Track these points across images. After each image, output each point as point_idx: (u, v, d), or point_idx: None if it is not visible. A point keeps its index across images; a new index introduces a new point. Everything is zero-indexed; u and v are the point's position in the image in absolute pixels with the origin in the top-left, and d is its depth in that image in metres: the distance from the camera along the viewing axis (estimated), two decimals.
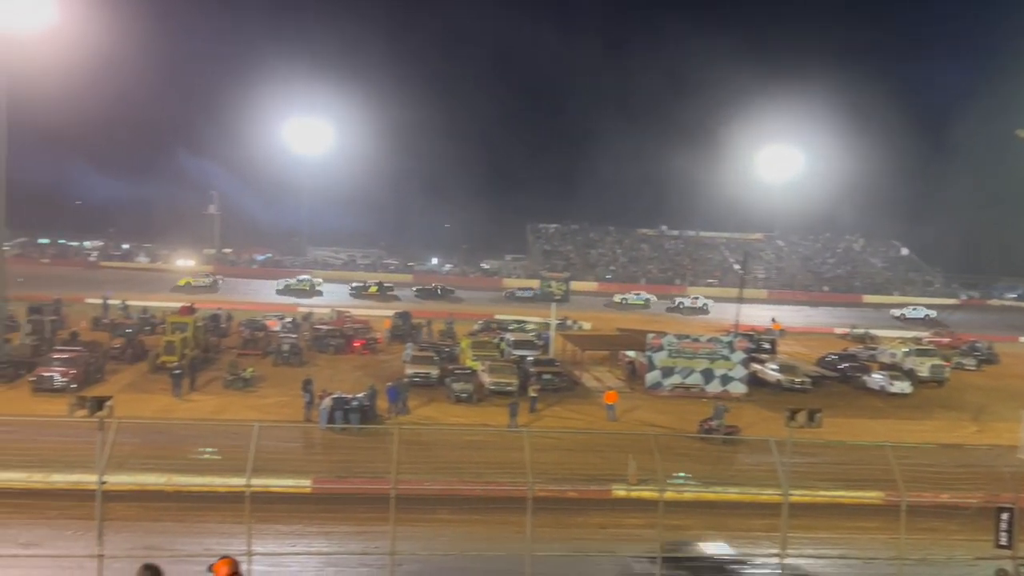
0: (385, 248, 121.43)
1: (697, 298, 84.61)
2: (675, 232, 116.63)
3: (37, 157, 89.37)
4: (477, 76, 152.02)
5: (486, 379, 40.86)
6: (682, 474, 24.33)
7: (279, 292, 78.97)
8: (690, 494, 23.57)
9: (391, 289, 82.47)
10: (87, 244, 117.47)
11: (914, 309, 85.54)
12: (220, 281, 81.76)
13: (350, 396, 34.45)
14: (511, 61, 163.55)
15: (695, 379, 43.29)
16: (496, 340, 51.58)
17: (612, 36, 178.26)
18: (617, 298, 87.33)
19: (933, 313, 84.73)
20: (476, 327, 59.44)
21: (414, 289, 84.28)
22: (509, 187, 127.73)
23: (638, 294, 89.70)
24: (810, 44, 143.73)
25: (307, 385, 35.58)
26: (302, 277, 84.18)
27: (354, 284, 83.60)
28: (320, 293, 79.80)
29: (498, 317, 65.74)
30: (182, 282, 78.27)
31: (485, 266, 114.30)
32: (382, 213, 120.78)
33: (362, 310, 66.38)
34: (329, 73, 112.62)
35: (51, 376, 36.63)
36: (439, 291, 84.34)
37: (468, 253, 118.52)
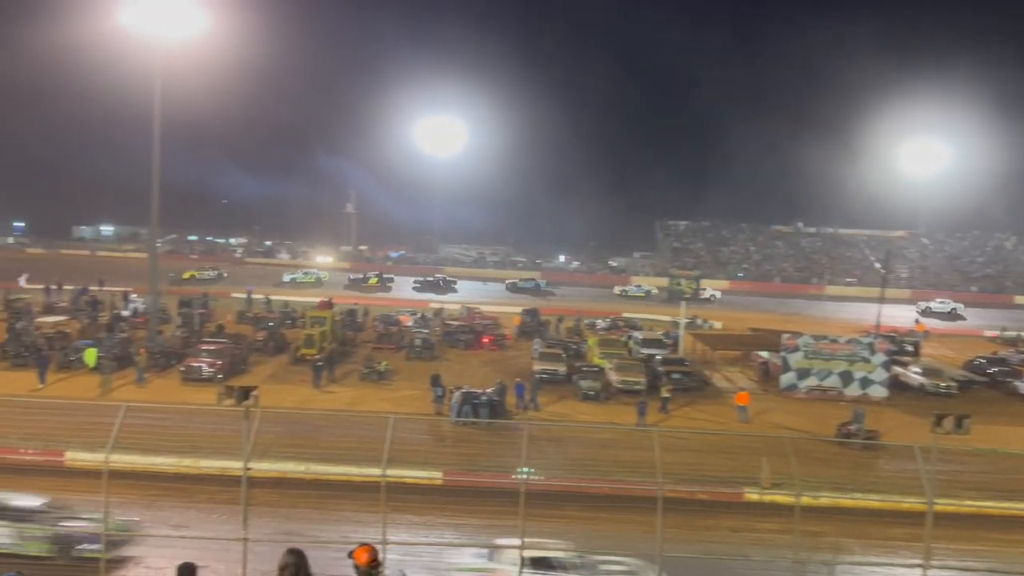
0: (513, 245, 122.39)
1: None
2: (812, 229, 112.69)
3: (187, 159, 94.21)
4: (606, 71, 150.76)
5: (613, 377, 40.65)
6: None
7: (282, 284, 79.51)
8: (827, 500, 22.81)
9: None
10: (232, 241, 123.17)
11: None
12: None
13: (479, 391, 34.90)
14: (640, 55, 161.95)
15: (832, 381, 41.82)
16: (624, 338, 51.26)
17: (744, 26, 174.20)
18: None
19: None
20: (602, 324, 59.30)
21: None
22: (638, 183, 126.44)
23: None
24: (957, 31, 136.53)
25: (436, 380, 36.28)
26: (308, 271, 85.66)
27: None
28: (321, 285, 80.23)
29: (626, 315, 65.34)
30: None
31: (613, 263, 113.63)
32: (512, 210, 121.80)
33: (492, 307, 67.12)
34: (461, 73, 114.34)
35: (200, 366, 38.60)
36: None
37: (596, 250, 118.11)
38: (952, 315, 77.72)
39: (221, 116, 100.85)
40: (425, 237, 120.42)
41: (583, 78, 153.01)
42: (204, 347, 41.20)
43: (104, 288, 61.61)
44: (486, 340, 51.69)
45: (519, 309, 61.24)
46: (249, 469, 15.43)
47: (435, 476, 25.10)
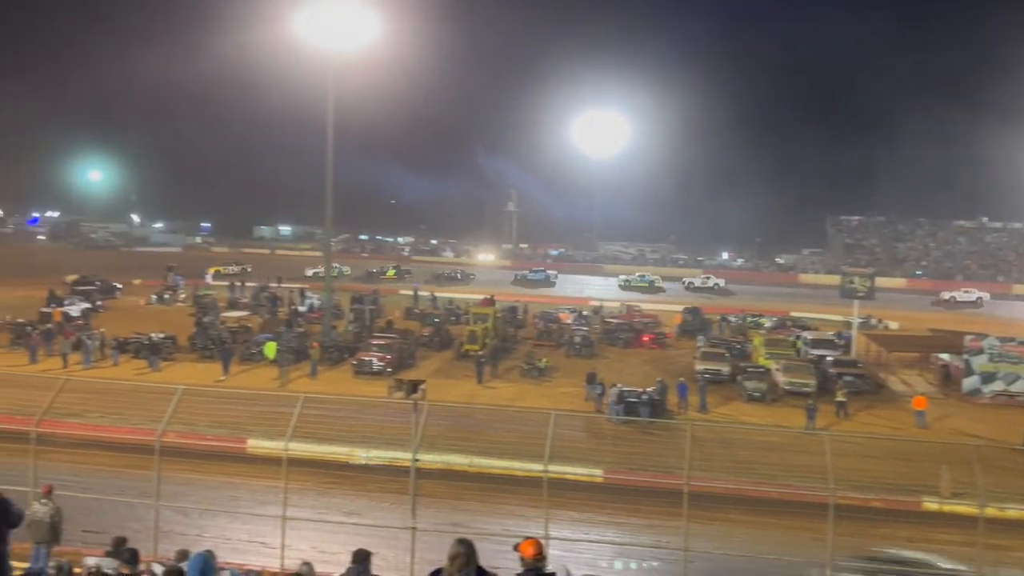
0: (675, 243, 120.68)
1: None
2: (998, 224, 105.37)
3: (358, 161, 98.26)
4: (772, 60, 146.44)
5: (780, 378, 39.39)
6: None
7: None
8: (1015, 512, 21.30)
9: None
10: (400, 240, 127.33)
11: None
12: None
13: (640, 390, 34.61)
14: (808, 41, 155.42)
15: (1021, 386, 39.00)
16: (792, 338, 49.58)
17: (918, 8, 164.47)
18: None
19: None
20: (769, 324, 57.60)
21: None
22: (807, 177, 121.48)
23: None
24: None
25: (591, 378, 36.33)
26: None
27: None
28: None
29: (794, 314, 63.19)
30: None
31: (780, 261, 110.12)
32: (673, 207, 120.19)
33: (652, 304, 66.45)
34: (621, 67, 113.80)
35: (370, 360, 40.14)
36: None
37: (761, 247, 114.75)
38: None
39: (389, 119, 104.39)
40: (584, 235, 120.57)
41: (748, 67, 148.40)
42: (374, 342, 42.84)
43: (282, 285, 65.02)
44: (646, 338, 51.24)
45: (680, 308, 60.41)
46: (418, 460, 15.90)
47: (596, 474, 25.07)
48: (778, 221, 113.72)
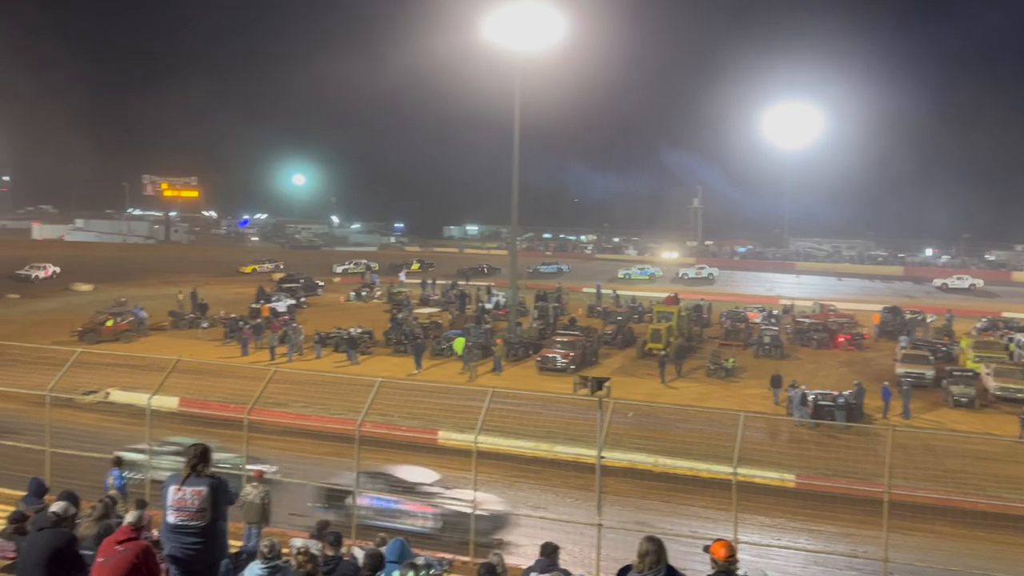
0: (873, 239, 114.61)
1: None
2: None
3: (543, 161, 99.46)
4: (978, 40, 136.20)
5: (991, 383, 36.65)
6: None
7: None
8: None
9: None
10: (583, 238, 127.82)
11: None
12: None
13: (835, 393, 33.19)
14: (1010, 29, 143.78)
15: None
16: (1004, 340, 46.03)
17: None
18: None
19: None
20: (979, 325, 53.71)
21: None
22: (1019, 168, 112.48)
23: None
24: None
25: (776, 380, 35.22)
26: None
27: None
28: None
29: (1006, 315, 58.63)
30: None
31: (990, 257, 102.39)
32: (870, 201, 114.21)
33: (847, 304, 63.47)
34: (811, 58, 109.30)
35: (554, 357, 40.58)
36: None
37: (970, 243, 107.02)
38: None
39: (574, 117, 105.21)
40: (774, 231, 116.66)
41: (950, 51, 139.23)
42: (558, 339, 43.27)
43: (470, 282, 66.80)
44: (841, 339, 48.98)
45: (879, 307, 57.38)
46: (603, 457, 15.95)
47: (787, 478, 24.24)
48: (988, 215, 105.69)
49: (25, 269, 67.11)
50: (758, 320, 53.27)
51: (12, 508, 13.05)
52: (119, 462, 16.32)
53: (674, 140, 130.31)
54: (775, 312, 57.08)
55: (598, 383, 15.68)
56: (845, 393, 33.11)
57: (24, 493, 13.69)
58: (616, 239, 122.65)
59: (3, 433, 19.35)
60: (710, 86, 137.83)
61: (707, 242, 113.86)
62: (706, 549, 7.22)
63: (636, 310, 56.43)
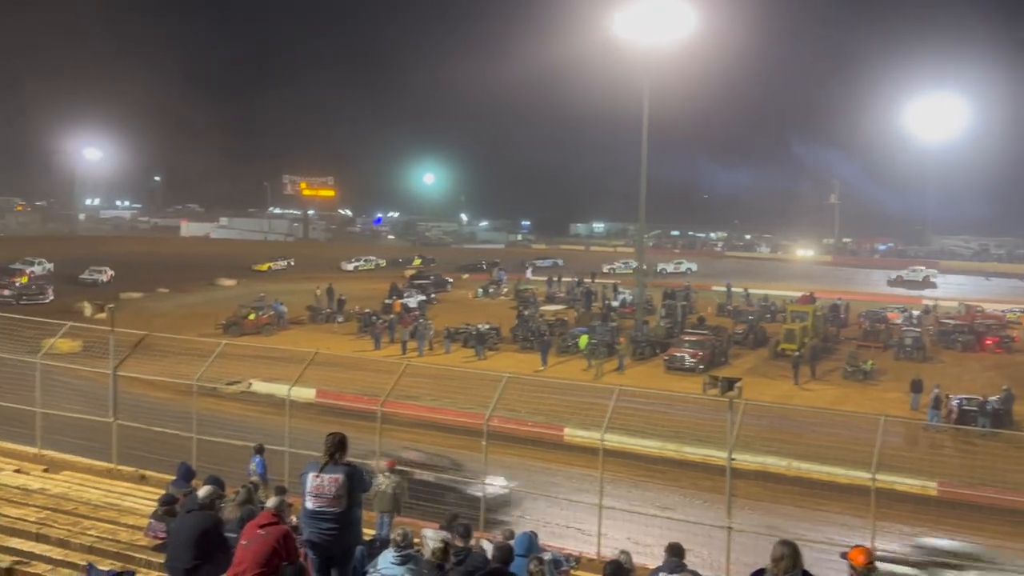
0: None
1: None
2: None
3: (671, 156, 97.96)
4: None
5: None
6: None
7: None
8: None
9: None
10: (713, 235, 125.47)
11: None
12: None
13: (980, 398, 31.51)
14: None
15: None
16: None
17: None
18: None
19: None
20: None
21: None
22: None
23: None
24: None
25: (917, 385, 33.71)
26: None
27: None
28: None
29: None
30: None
31: None
32: (1020, 197, 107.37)
33: (997, 304, 60.07)
34: (955, 47, 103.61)
35: (682, 356, 40.03)
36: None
37: None
38: None
39: (704, 111, 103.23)
40: (916, 228, 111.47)
41: None
42: (686, 338, 42.67)
43: (596, 280, 66.62)
44: (989, 341, 46.39)
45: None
46: (733, 459, 15.64)
47: (929, 486, 23.18)
48: None
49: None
50: (899, 321, 51.11)
51: (163, 491, 13.86)
52: (261, 450, 17.04)
53: (809, 133, 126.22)
54: (916, 313, 54.62)
55: (729, 383, 15.41)
56: (992, 398, 31.37)
57: (173, 477, 14.50)
58: (747, 236, 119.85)
59: (154, 420, 20.48)
60: (847, 75, 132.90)
61: (844, 239, 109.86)
62: (843, 555, 6.99)
63: (768, 309, 55.05)
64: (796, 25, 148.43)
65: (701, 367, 38.66)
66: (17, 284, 55.68)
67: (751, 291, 63.94)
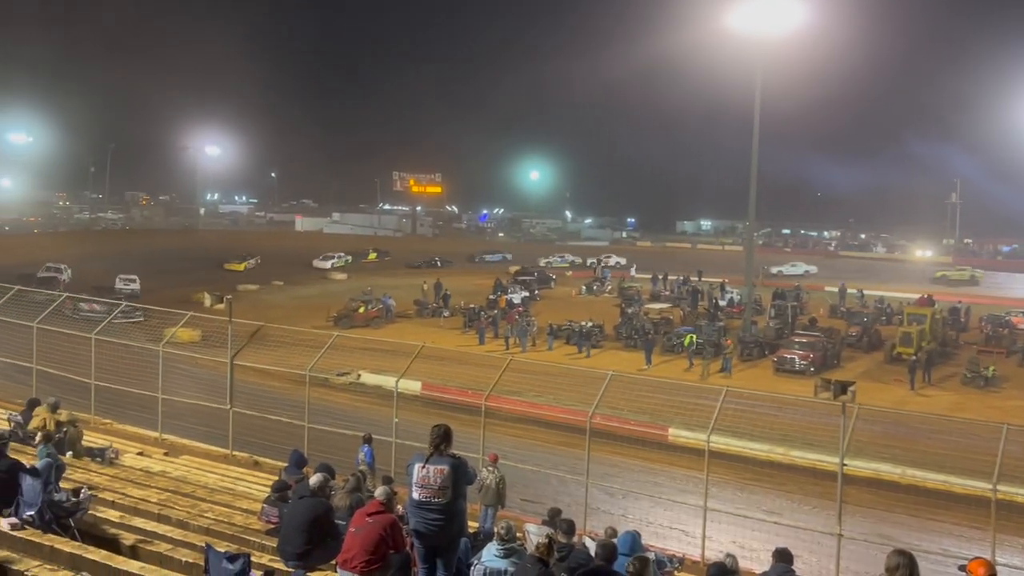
0: None
1: None
2: None
3: (782, 153, 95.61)
4: None
5: None
6: None
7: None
8: None
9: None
10: (826, 234, 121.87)
11: None
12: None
13: None
14: None
15: None
16: None
17: None
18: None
19: None
20: None
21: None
22: None
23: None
24: None
25: None
26: None
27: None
28: None
29: None
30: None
31: None
32: None
33: None
34: None
35: (792, 358, 39.04)
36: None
37: None
38: None
39: (817, 105, 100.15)
40: None
41: None
42: (797, 339, 41.59)
43: (703, 279, 65.61)
44: None
45: None
46: (845, 465, 15.21)
47: None
48: None
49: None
50: (1023, 326, 48.66)
51: (276, 478, 14.33)
52: (369, 439, 17.44)
53: (928, 128, 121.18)
54: None
55: (842, 387, 14.92)
56: None
57: (286, 464, 14.98)
58: (862, 235, 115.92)
59: (268, 408, 21.20)
60: (969, 67, 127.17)
61: (965, 240, 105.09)
62: (962, 568, 6.71)
63: (884, 311, 53.17)
64: (915, 14, 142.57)
65: (812, 370, 37.64)
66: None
67: (866, 292, 61.88)
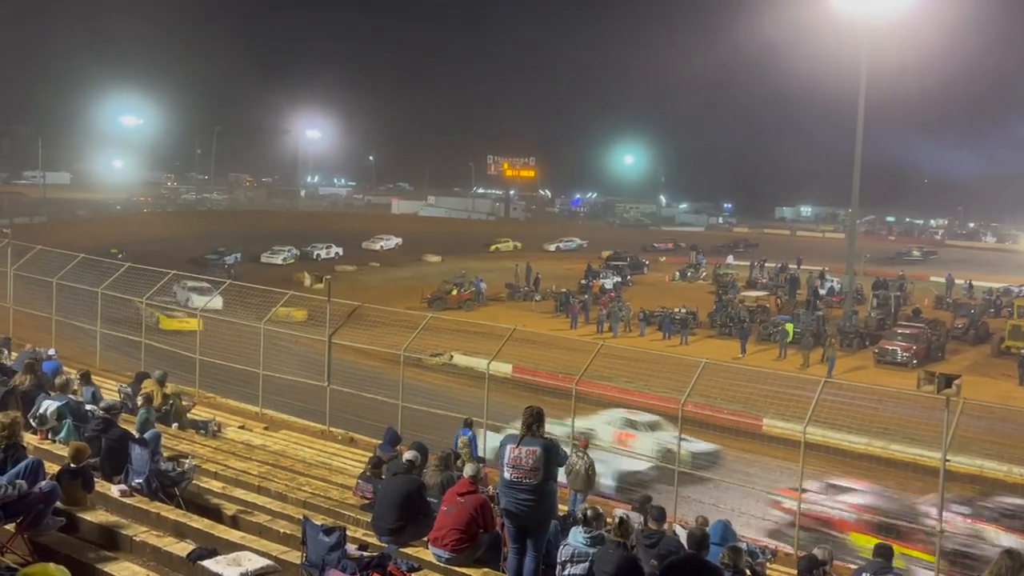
0: None
1: None
2: None
3: (888, 137, 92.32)
4: None
5: None
6: None
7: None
8: None
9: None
10: (933, 223, 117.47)
11: None
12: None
13: None
14: None
15: None
16: None
17: None
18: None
19: None
20: None
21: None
22: None
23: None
24: None
25: None
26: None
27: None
28: None
29: None
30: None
31: None
32: None
33: None
34: None
35: (894, 350, 37.86)
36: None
37: None
38: None
39: (925, 90, 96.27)
40: None
41: None
42: (899, 330, 40.28)
43: (802, 267, 64.06)
44: None
45: None
46: (948, 460, 14.71)
47: None
48: None
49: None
50: None
51: (370, 454, 14.66)
52: (470, 423, 17.66)
53: None
54: None
55: (946, 380, 14.37)
56: None
57: (380, 441, 15.29)
58: (971, 224, 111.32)
59: (364, 386, 21.66)
60: None
61: None
62: None
63: (992, 303, 51.00)
64: None
65: (914, 362, 36.40)
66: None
67: (974, 283, 59.44)
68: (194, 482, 11.06)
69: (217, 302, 27.01)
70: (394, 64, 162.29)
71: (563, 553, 8.59)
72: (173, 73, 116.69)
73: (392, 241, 78.54)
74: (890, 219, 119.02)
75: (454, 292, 49.71)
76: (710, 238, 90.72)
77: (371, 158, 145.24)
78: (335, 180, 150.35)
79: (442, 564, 9.00)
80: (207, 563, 7.87)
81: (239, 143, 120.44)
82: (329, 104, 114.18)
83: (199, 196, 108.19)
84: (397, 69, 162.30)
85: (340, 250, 70.30)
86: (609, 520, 9.14)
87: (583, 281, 54.38)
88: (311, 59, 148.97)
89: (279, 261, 64.41)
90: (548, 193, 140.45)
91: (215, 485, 11.65)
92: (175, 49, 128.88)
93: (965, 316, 45.76)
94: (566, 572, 8.51)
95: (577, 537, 8.55)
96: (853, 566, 11.75)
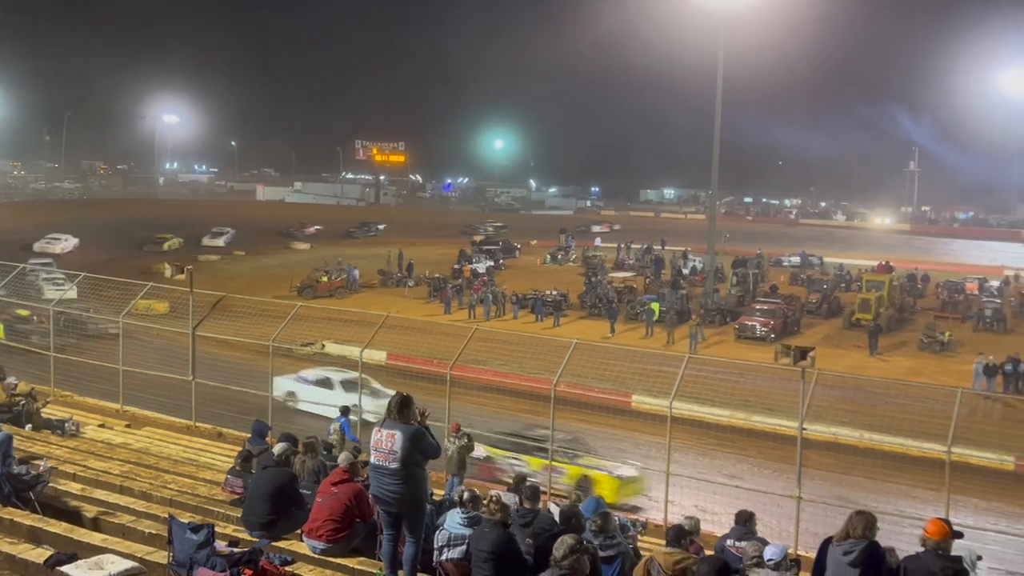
0: None
1: None
2: None
3: (744, 121, 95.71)
4: None
5: None
6: None
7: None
8: None
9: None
10: (788, 202, 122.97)
11: None
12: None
13: None
14: None
15: None
16: None
17: None
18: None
19: None
20: None
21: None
22: None
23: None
24: None
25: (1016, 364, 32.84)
26: None
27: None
28: None
29: None
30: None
31: None
32: None
33: None
34: None
35: (753, 325, 39.51)
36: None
37: None
38: None
39: (777, 74, 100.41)
40: (1000, 196, 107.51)
41: None
42: (758, 306, 42.06)
43: (666, 247, 65.96)
44: None
45: None
46: (804, 429, 15.47)
47: (1007, 460, 22.61)
48: None
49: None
50: (978, 291, 49.58)
51: (239, 448, 14.29)
52: (346, 411, 17.44)
53: (888, 96, 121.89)
54: (996, 283, 52.82)
55: (801, 353, 15.10)
56: None
57: (249, 435, 14.92)
58: (823, 203, 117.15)
59: (231, 379, 21.06)
60: (928, 34, 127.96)
61: (923, 208, 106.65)
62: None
63: (843, 278, 53.89)
64: None
65: (772, 336, 38.08)
66: None
67: (826, 259, 62.64)
68: (51, 485, 10.51)
69: (72, 294, 25.74)
70: (255, 46, 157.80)
71: (439, 538, 8.60)
72: (19, 55, 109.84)
73: (228, 234, 69.09)
74: (748, 200, 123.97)
75: (324, 279, 48.86)
76: (578, 221, 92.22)
77: (233, 143, 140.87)
78: (196, 166, 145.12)
79: (317, 555, 8.88)
80: (67, 568, 7.52)
81: (92, 129, 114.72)
82: (187, 88, 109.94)
83: (49, 185, 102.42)
84: (259, 51, 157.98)
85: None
86: (484, 502, 9.18)
87: (456, 266, 54.41)
88: (168, 41, 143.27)
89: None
90: (419, 178, 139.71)
91: (74, 487, 11.11)
92: (20, 29, 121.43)
93: (818, 291, 48.19)
94: (443, 556, 8.54)
95: (455, 519, 8.58)
96: (720, 533, 12.21)
